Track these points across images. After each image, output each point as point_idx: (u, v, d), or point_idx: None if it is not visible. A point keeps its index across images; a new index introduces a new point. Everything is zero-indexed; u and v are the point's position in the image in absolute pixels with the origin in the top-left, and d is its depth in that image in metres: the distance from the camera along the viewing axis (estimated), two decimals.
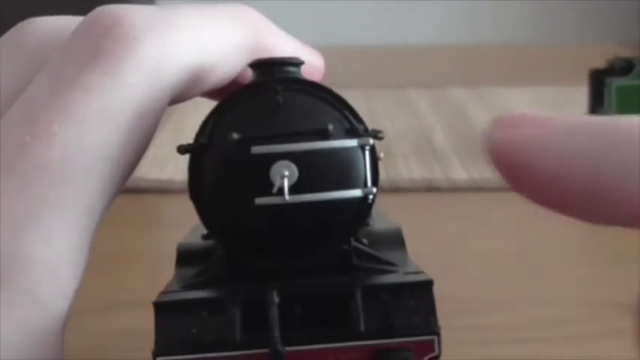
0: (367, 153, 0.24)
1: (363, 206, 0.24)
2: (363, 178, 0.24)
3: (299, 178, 0.23)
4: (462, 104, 0.84)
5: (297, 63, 0.25)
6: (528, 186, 0.21)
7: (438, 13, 1.83)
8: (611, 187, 0.19)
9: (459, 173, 0.62)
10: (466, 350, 0.30)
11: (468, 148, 0.69)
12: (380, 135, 0.24)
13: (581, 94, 0.67)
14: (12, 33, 0.27)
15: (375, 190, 0.24)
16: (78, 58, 0.23)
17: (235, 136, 0.23)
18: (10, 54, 0.26)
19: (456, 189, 0.60)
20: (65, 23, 0.26)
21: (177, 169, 0.61)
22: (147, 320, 0.40)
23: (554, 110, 0.78)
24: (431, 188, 0.60)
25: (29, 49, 0.26)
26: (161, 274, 0.48)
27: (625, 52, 0.69)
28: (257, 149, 0.23)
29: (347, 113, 0.24)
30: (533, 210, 0.62)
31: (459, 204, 0.58)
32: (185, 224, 0.51)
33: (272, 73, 0.25)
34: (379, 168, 0.24)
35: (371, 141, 0.24)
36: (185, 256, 0.27)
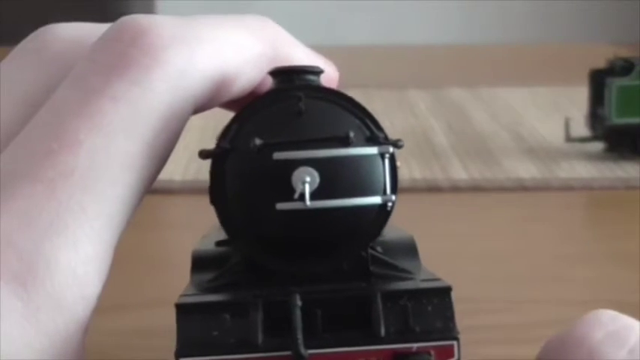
0: (387, 161, 0.24)
1: (381, 213, 0.24)
2: (382, 185, 0.24)
3: (320, 184, 0.23)
4: (462, 104, 0.84)
5: (318, 72, 0.25)
6: None
7: (438, 13, 1.83)
8: None
9: (459, 173, 0.62)
10: (466, 350, 0.30)
11: (468, 148, 0.69)
12: (400, 143, 0.24)
13: (581, 94, 0.67)
14: (32, 38, 0.27)
15: (393, 197, 0.24)
16: (105, 66, 0.23)
17: (258, 141, 0.23)
18: (31, 60, 0.26)
19: (456, 189, 0.60)
20: (85, 30, 0.27)
21: (176, 169, 0.61)
22: (146, 320, 0.40)
23: (555, 110, 0.78)
24: (431, 188, 0.60)
25: (50, 55, 0.26)
26: (161, 274, 0.48)
27: (625, 52, 0.69)
28: (279, 155, 0.23)
29: (367, 121, 0.24)
30: (533, 210, 0.62)
31: (459, 204, 0.59)
32: (185, 224, 0.51)
33: (293, 80, 0.25)
34: (398, 176, 0.24)
35: (391, 149, 0.24)
36: (200, 263, 0.28)
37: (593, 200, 0.60)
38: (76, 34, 0.27)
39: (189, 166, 0.62)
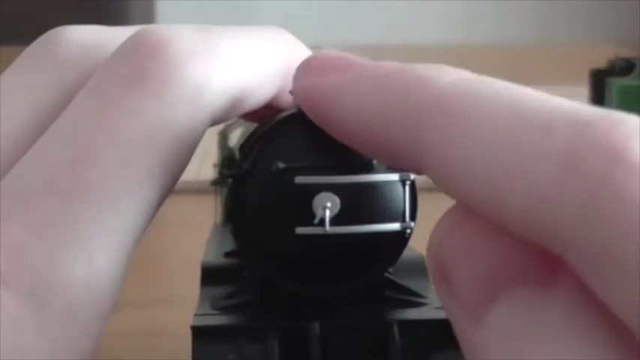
0: (407, 187, 0.24)
1: (400, 239, 0.24)
2: (402, 212, 0.24)
3: (340, 210, 0.23)
4: None
5: None
6: (336, 134, 0.21)
7: (437, 12, 1.83)
8: (401, 138, 0.20)
9: None
10: None
11: None
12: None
13: (581, 94, 0.67)
14: (42, 42, 0.27)
15: (412, 224, 0.24)
16: (122, 79, 0.23)
17: (280, 165, 0.23)
18: (42, 65, 0.26)
19: None
20: (97, 34, 0.27)
21: None
22: (145, 320, 0.40)
23: None
24: (431, 188, 0.60)
25: (63, 60, 0.26)
26: (161, 274, 0.48)
27: (625, 52, 0.69)
28: (301, 179, 0.23)
29: None
30: None
31: None
32: (184, 224, 0.51)
33: None
34: (417, 202, 0.24)
35: (412, 176, 0.24)
36: (211, 275, 0.28)
37: None
38: (89, 37, 0.26)
39: (189, 167, 0.62)
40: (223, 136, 0.41)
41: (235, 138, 0.40)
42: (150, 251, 0.49)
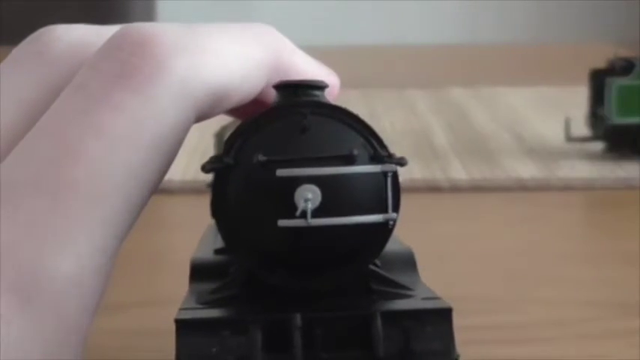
0: (390, 179, 0.24)
1: (383, 231, 0.24)
2: (384, 203, 0.24)
3: (322, 202, 0.23)
4: (461, 104, 0.84)
5: (322, 86, 0.25)
6: None
7: (438, 13, 1.83)
8: None
9: (459, 173, 0.62)
10: (466, 350, 0.30)
11: (468, 148, 0.68)
12: (403, 162, 0.24)
13: (581, 94, 0.67)
14: (32, 40, 0.27)
15: (395, 215, 0.24)
16: (108, 75, 0.23)
17: (261, 157, 0.23)
18: (32, 63, 0.26)
19: (456, 189, 0.60)
20: (87, 32, 0.27)
21: (175, 169, 0.61)
22: (146, 320, 0.40)
23: (555, 110, 0.78)
24: (431, 188, 0.60)
25: (52, 58, 0.26)
26: (160, 274, 0.48)
27: (625, 52, 0.69)
28: (282, 172, 0.23)
29: (371, 139, 0.24)
30: (533, 210, 0.62)
31: (459, 204, 0.58)
32: (183, 224, 0.51)
33: (297, 95, 0.25)
34: (400, 194, 0.24)
35: (394, 167, 0.24)
36: (199, 272, 0.28)
37: (593, 200, 0.60)
38: (78, 36, 0.26)
39: (188, 167, 0.62)
40: (219, 138, 0.41)
41: None
42: (149, 251, 0.49)
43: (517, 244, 0.51)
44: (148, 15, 1.36)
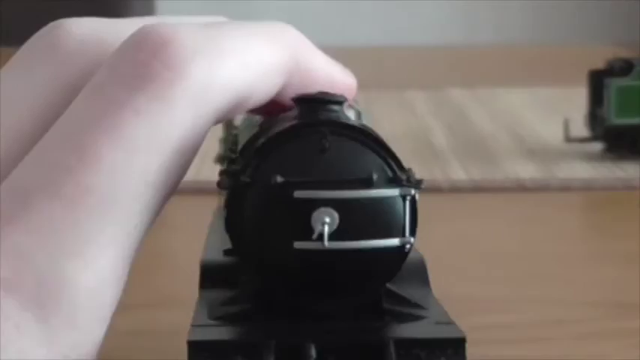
0: (408, 203, 0.24)
1: (399, 255, 0.24)
2: (401, 227, 0.24)
3: (339, 225, 0.23)
4: (461, 105, 0.84)
5: (341, 101, 0.25)
6: None
7: (437, 13, 1.83)
8: None
9: (459, 174, 0.62)
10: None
11: (467, 149, 0.69)
12: (420, 185, 0.24)
13: (581, 95, 0.67)
14: (43, 35, 0.26)
15: (412, 240, 0.24)
16: (126, 79, 0.22)
17: (279, 179, 0.23)
18: (44, 59, 0.25)
19: (455, 189, 0.60)
20: (100, 26, 0.26)
21: None
22: (146, 320, 0.40)
23: (554, 111, 0.78)
24: (431, 189, 0.60)
25: (65, 54, 0.25)
26: (161, 274, 0.48)
27: (624, 53, 0.69)
28: (300, 194, 0.23)
29: (390, 161, 0.24)
30: (532, 210, 0.62)
31: (459, 204, 0.58)
32: (185, 224, 0.51)
33: (316, 111, 0.24)
34: (418, 217, 0.24)
35: (412, 191, 0.24)
36: (210, 276, 0.27)
37: (592, 200, 0.60)
38: (91, 30, 0.26)
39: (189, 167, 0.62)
40: (229, 125, 0.40)
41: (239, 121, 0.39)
42: (150, 251, 0.49)
43: (516, 245, 0.51)
44: (148, 14, 1.36)
